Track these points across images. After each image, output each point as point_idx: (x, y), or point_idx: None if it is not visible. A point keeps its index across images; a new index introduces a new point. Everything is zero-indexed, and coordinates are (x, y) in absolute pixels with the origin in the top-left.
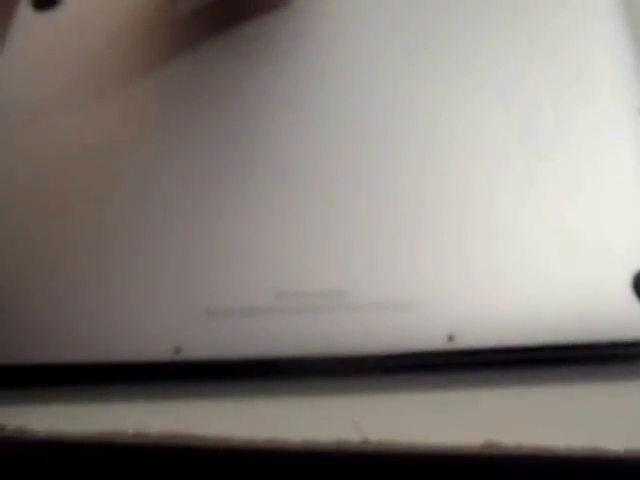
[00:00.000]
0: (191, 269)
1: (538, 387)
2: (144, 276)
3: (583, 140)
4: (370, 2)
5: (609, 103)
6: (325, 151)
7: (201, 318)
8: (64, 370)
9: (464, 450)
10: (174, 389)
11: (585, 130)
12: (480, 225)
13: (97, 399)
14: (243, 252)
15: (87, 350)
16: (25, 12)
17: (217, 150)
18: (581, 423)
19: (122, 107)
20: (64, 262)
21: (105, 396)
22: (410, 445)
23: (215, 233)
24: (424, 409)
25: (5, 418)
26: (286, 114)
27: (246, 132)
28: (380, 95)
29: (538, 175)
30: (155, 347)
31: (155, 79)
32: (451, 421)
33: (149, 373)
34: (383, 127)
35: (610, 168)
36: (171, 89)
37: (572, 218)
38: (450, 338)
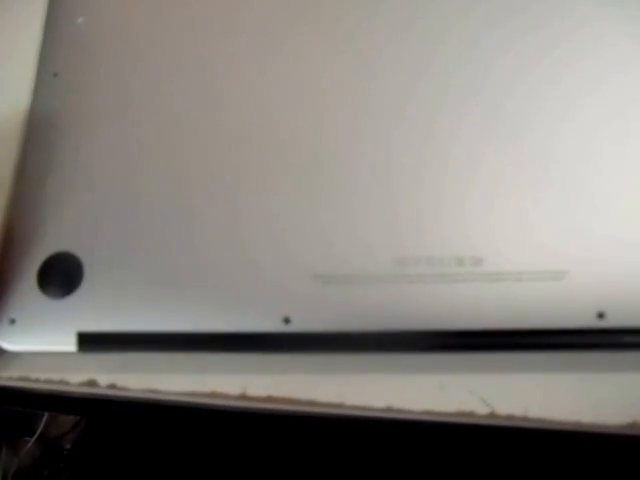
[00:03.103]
0: (302, 232)
1: None
2: (253, 240)
3: None
4: None
5: None
6: (463, 114)
7: (312, 286)
8: (165, 338)
9: (608, 429)
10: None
11: None
12: None
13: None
14: (358, 213)
15: (189, 320)
16: None
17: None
18: None
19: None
20: (168, 232)
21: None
22: (541, 421)
23: (326, 192)
24: (565, 387)
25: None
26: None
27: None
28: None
29: None
30: (264, 317)
31: None
32: (594, 400)
33: (257, 344)
34: (538, 100)
35: None
36: None
37: None
38: (600, 315)
